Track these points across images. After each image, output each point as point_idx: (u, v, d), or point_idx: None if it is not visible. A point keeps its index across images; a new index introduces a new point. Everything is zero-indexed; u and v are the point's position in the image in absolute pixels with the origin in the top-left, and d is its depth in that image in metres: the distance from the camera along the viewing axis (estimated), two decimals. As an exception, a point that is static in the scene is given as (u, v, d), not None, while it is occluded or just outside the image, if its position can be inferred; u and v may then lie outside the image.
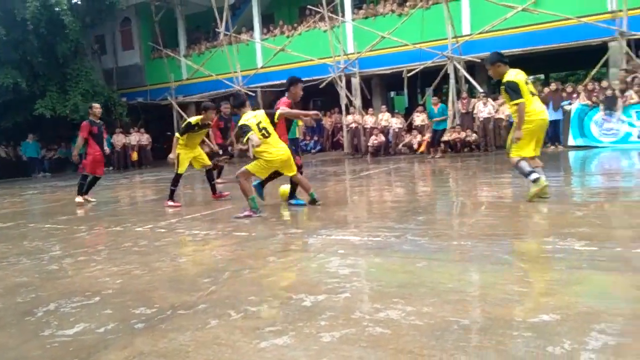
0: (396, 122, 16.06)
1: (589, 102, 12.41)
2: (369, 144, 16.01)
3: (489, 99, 14.41)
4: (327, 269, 3.29)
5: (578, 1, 13.77)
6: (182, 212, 6.55)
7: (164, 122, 22.20)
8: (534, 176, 5.15)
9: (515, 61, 17.13)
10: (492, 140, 14.10)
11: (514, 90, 5.16)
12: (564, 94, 13.31)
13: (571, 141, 12.53)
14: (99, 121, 8.41)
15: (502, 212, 5.00)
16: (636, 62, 12.98)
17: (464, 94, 14.98)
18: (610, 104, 11.93)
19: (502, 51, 15.36)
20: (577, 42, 13.91)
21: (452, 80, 15.24)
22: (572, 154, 11.20)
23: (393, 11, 16.67)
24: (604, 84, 12.73)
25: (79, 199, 8.30)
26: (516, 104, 5.14)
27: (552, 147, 13.02)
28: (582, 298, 2.44)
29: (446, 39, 15.11)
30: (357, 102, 17.10)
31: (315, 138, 19.53)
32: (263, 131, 5.72)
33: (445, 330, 2.16)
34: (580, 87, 13.29)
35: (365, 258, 3.54)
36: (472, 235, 3.97)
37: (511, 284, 2.73)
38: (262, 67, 19.06)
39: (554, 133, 13.14)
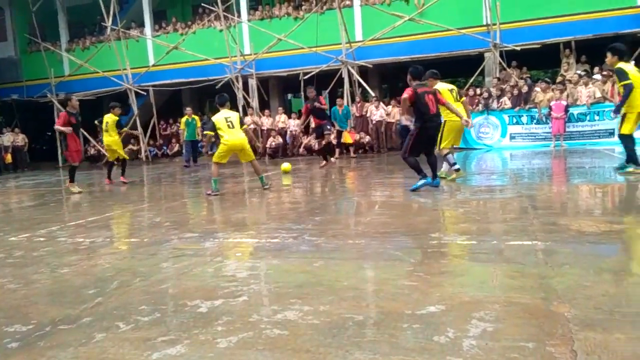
0: (294, 124, 16.21)
1: (469, 107, 13.47)
2: (266, 145, 16.00)
3: (381, 103, 15.09)
4: (224, 273, 3.23)
5: (458, 14, 14.92)
6: (64, 219, 6.06)
7: (43, 121, 20.40)
8: (455, 167, 7.30)
9: (403, 67, 18.15)
10: (384, 143, 14.81)
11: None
12: (448, 100, 14.30)
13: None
14: (76, 112, 9.07)
15: (394, 211, 5.24)
16: (507, 72, 14.33)
17: (358, 98, 15.54)
18: (488, 105, 13.09)
19: (391, 58, 16.14)
20: (458, 51, 15.07)
21: (346, 84, 15.72)
22: (454, 156, 12.04)
23: (289, 14, 16.84)
24: (483, 90, 13.91)
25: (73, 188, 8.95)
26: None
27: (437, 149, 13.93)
28: (464, 288, 2.63)
29: (340, 44, 15.56)
30: (254, 103, 17.01)
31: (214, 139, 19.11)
32: (229, 123, 7.32)
33: (342, 327, 2.22)
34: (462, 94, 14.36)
35: (263, 260, 3.52)
36: (366, 234, 4.12)
37: (402, 278, 2.87)
38: (153, 65, 18.25)
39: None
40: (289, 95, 25.70)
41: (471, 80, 15.34)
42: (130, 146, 17.75)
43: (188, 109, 14.88)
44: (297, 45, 15.94)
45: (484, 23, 14.72)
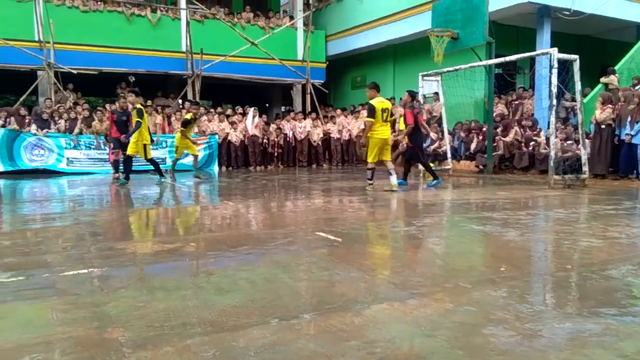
0: None
1: (17, 127, 12.12)
2: None
3: None
4: None
5: (5, 24, 13.25)
6: None
7: None
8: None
9: None
10: None
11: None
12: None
13: (1, 168, 11.79)
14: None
15: None
16: (64, 94, 13.71)
17: None
18: (42, 124, 12.16)
19: None
20: (6, 64, 13.39)
21: None
22: (1, 182, 10.52)
23: None
24: (39, 110, 12.74)
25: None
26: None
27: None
28: (4, 334, 2.24)
29: None
30: None
31: None
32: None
33: None
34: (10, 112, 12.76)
35: None
36: None
37: None
38: None
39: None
40: None
41: (22, 98, 13.84)
42: None
43: None
44: None
45: (36, 39, 13.66)
